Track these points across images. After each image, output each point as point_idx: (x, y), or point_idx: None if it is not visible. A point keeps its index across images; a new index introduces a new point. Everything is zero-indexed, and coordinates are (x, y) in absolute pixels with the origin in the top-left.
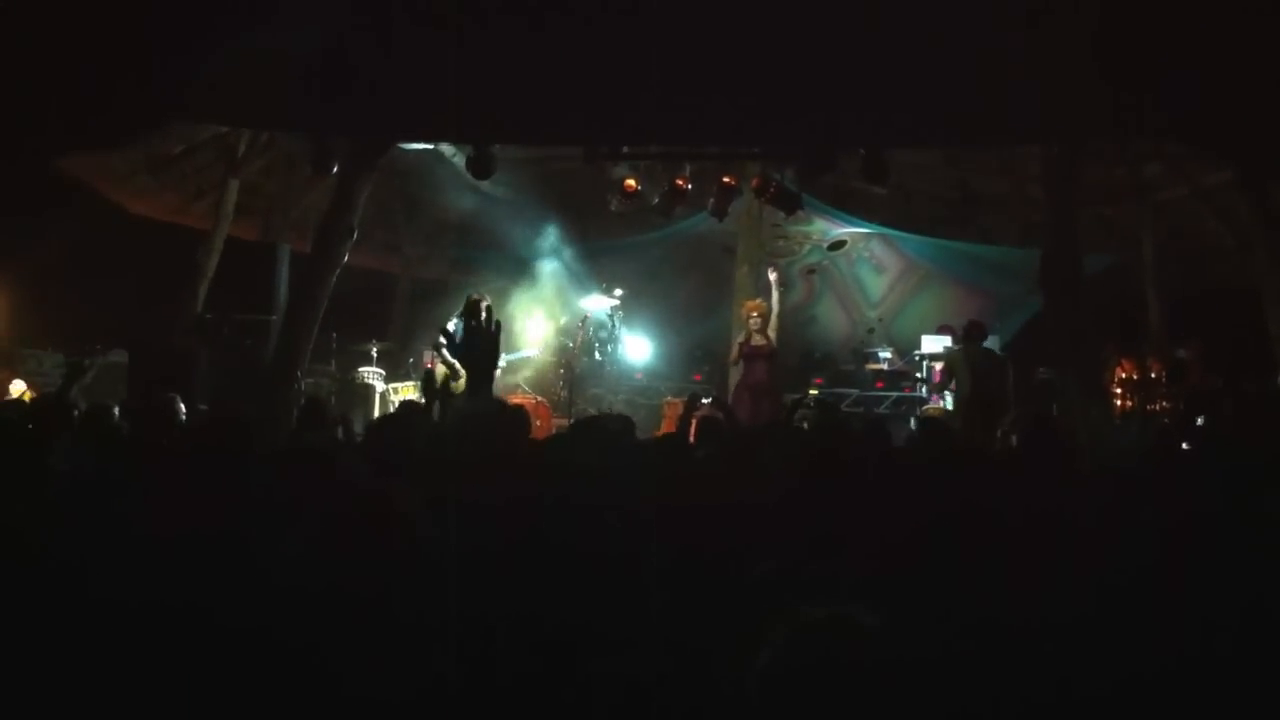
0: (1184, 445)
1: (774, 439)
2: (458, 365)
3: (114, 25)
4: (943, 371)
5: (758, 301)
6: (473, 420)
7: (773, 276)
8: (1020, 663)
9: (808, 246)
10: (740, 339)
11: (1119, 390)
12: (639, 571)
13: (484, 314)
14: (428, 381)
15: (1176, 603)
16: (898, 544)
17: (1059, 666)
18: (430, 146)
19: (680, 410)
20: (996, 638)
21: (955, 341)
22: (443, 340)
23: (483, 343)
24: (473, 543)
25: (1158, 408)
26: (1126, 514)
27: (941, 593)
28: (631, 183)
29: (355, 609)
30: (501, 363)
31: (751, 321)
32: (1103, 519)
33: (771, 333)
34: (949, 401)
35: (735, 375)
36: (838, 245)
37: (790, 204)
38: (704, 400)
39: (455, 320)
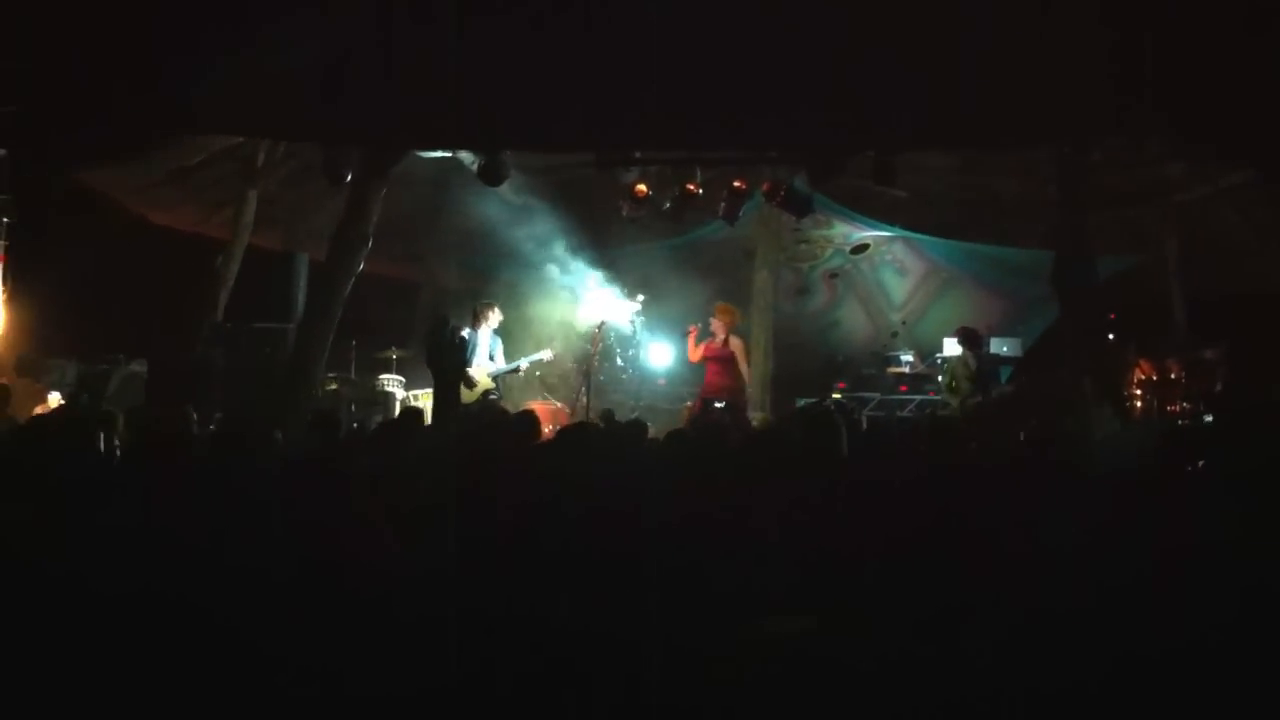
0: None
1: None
2: (471, 374)
3: (129, 39)
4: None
5: (724, 305)
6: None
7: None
8: (1004, 660)
9: (830, 250)
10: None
11: (1139, 392)
12: (633, 573)
13: (446, 331)
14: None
15: (1164, 604)
16: (887, 546)
17: (1041, 664)
18: (448, 154)
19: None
20: (979, 637)
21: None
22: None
23: (446, 358)
24: (465, 546)
25: (1177, 409)
26: (1120, 520)
27: (927, 593)
28: (642, 188)
29: (344, 611)
30: (524, 363)
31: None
32: (1095, 525)
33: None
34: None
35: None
36: (860, 249)
37: (801, 208)
38: (716, 404)
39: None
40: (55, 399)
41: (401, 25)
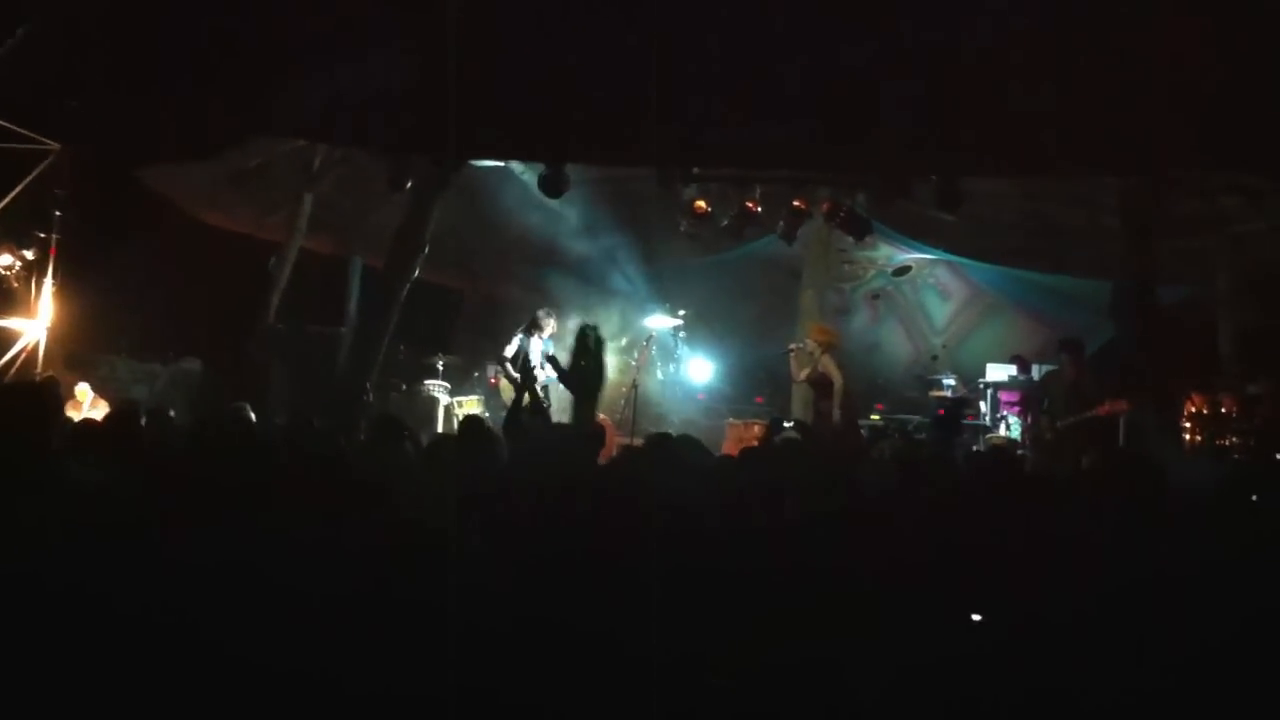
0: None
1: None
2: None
3: (198, 45)
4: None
5: (820, 325)
6: (573, 439)
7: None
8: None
9: (873, 272)
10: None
11: (1189, 425)
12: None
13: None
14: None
15: (1228, 631)
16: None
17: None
18: (501, 164)
19: (756, 433)
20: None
21: (1021, 371)
22: (550, 369)
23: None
24: (531, 558)
25: (1227, 443)
26: (1195, 551)
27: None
28: (702, 204)
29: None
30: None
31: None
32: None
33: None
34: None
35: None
36: (902, 271)
37: (860, 229)
38: (786, 424)
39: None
40: (83, 390)
41: (468, 38)
